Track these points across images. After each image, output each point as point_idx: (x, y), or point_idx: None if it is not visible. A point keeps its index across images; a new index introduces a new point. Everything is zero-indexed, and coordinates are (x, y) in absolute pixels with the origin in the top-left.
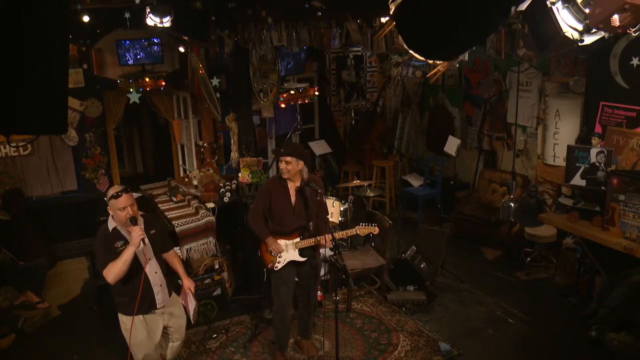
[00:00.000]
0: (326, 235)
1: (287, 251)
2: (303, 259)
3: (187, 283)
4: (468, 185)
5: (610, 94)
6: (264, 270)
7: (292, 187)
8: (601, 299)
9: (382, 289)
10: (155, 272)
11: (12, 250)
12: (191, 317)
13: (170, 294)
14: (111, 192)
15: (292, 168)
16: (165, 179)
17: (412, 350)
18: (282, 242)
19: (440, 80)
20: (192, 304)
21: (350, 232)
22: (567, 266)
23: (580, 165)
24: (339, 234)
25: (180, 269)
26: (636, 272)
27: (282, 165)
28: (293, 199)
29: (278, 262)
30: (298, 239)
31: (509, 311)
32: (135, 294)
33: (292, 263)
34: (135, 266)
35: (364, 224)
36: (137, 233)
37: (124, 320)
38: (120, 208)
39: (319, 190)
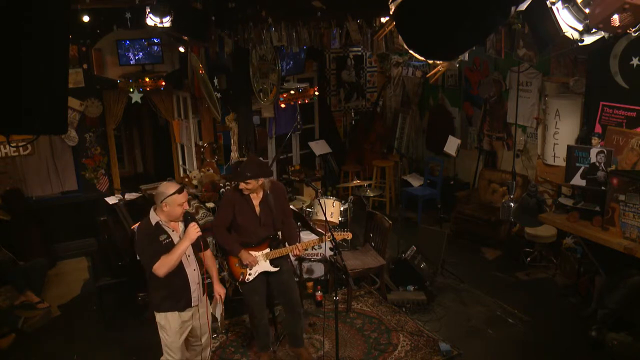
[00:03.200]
0: (296, 245)
1: (258, 262)
2: (275, 269)
3: (219, 288)
4: (468, 185)
5: (610, 94)
6: (236, 284)
7: (254, 198)
8: (601, 300)
9: (382, 289)
10: (194, 270)
11: (12, 250)
12: (218, 322)
13: (204, 293)
14: (171, 188)
15: (252, 187)
16: (165, 179)
17: (412, 350)
18: (253, 254)
19: (440, 80)
20: (219, 309)
21: (318, 241)
22: (567, 266)
23: (580, 165)
24: (307, 243)
25: (213, 272)
26: (635, 272)
27: (242, 186)
28: (257, 209)
29: (249, 275)
30: (268, 250)
31: (509, 311)
32: (174, 290)
33: (264, 273)
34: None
35: (337, 230)
36: (195, 229)
37: (159, 318)
38: (180, 203)
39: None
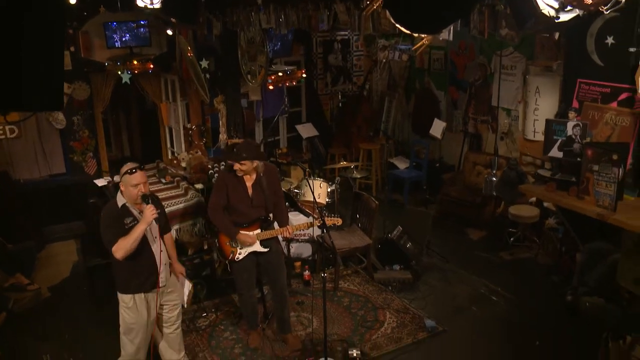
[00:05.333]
0: (287, 227)
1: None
2: (265, 250)
3: (179, 268)
4: (453, 167)
5: (586, 71)
6: (226, 262)
7: (248, 179)
8: (581, 277)
9: (369, 268)
10: (161, 251)
11: (1, 233)
12: (185, 300)
13: (170, 275)
14: (125, 168)
15: (246, 168)
16: (152, 162)
17: (398, 327)
18: (249, 234)
19: (426, 64)
20: (186, 288)
21: (309, 224)
22: (550, 246)
23: (557, 138)
24: (298, 226)
25: (173, 253)
26: (614, 250)
27: (236, 166)
28: (250, 191)
29: (239, 254)
30: (259, 230)
31: (493, 289)
32: (140, 271)
33: (253, 253)
34: (143, 244)
35: (328, 215)
36: (150, 211)
37: (125, 299)
38: (133, 185)
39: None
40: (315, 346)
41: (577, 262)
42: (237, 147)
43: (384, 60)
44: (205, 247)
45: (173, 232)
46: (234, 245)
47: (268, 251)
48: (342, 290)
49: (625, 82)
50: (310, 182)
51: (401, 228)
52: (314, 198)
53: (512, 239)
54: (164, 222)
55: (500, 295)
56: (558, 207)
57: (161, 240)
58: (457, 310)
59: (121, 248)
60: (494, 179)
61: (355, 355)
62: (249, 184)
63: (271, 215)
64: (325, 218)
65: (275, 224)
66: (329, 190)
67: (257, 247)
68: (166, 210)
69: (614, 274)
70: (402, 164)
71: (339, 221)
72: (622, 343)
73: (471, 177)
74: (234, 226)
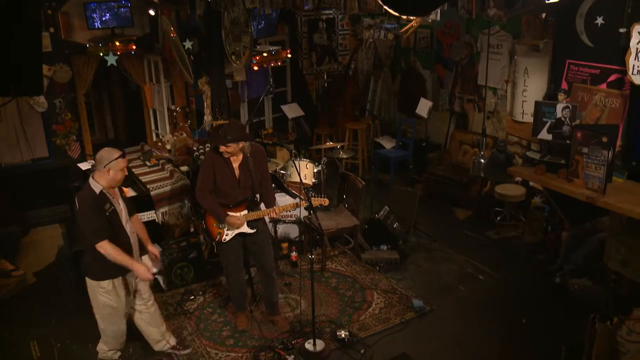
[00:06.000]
0: (273, 208)
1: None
2: (252, 231)
3: (152, 249)
4: (439, 146)
5: (576, 52)
6: (213, 243)
7: (234, 160)
8: (566, 256)
9: (356, 248)
10: (133, 233)
11: None
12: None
13: (141, 256)
14: (115, 152)
15: (232, 150)
16: (137, 144)
17: (386, 307)
18: (237, 215)
19: (412, 42)
20: (157, 266)
21: (295, 204)
22: (536, 224)
23: (547, 120)
24: (285, 207)
25: (144, 235)
26: (599, 229)
27: (222, 149)
28: (237, 172)
29: (226, 235)
30: (246, 212)
31: (480, 268)
32: None
33: (240, 234)
34: (118, 228)
35: (314, 195)
36: (145, 271)
37: (103, 285)
38: (122, 168)
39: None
40: (304, 327)
41: (563, 240)
42: (223, 129)
43: (370, 40)
44: (192, 229)
45: (159, 215)
46: (220, 226)
47: (255, 232)
48: (329, 271)
49: (615, 64)
50: (297, 163)
51: (388, 208)
52: (300, 179)
53: (498, 217)
54: (129, 205)
55: (486, 274)
56: (547, 189)
57: (131, 223)
58: (444, 289)
59: (107, 251)
60: (482, 160)
61: (343, 336)
62: (235, 165)
63: (258, 196)
64: (312, 198)
65: (262, 206)
66: (315, 171)
67: (244, 229)
68: (151, 193)
69: (601, 252)
70: (388, 144)
71: (326, 201)
72: (610, 324)
73: (457, 156)
74: (221, 208)
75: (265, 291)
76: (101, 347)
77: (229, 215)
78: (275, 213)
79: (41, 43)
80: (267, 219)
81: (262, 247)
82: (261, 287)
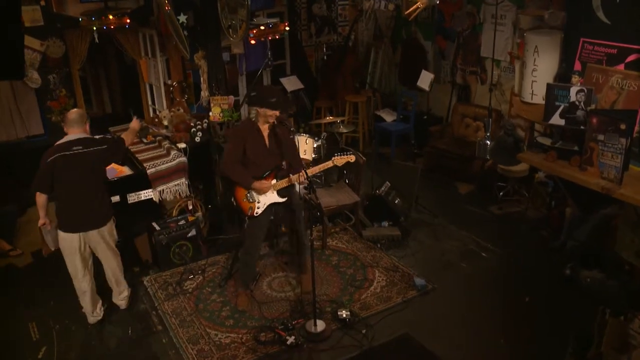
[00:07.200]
0: (301, 172)
1: (266, 194)
2: (283, 199)
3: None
4: (441, 119)
5: (591, 29)
6: (245, 217)
7: (264, 129)
8: (570, 232)
9: (357, 225)
10: None
11: None
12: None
13: None
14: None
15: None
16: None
17: (387, 286)
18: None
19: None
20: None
21: (326, 165)
22: (539, 200)
23: (559, 104)
24: (314, 169)
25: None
26: (605, 206)
27: (271, 113)
28: (267, 140)
29: (258, 208)
30: (274, 181)
31: (482, 245)
32: None
33: (271, 205)
34: None
35: (339, 154)
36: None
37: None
38: None
39: (292, 128)
40: (304, 307)
41: (567, 216)
42: (271, 94)
43: (370, 10)
44: (190, 207)
45: (157, 194)
46: (251, 200)
47: (286, 200)
48: (330, 248)
49: (634, 43)
50: (296, 138)
51: (389, 183)
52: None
53: (501, 193)
54: None
55: (489, 251)
56: (557, 177)
57: None
58: (447, 267)
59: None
60: (488, 142)
61: (344, 315)
62: (265, 133)
63: (284, 163)
64: (336, 158)
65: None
66: (315, 146)
67: (275, 198)
68: (148, 171)
69: (605, 228)
70: (389, 117)
71: (352, 158)
72: (623, 319)
73: (460, 129)
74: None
75: (298, 252)
76: None
77: (255, 181)
78: (303, 177)
79: (21, 24)
80: (299, 186)
81: (293, 212)
82: (297, 248)
